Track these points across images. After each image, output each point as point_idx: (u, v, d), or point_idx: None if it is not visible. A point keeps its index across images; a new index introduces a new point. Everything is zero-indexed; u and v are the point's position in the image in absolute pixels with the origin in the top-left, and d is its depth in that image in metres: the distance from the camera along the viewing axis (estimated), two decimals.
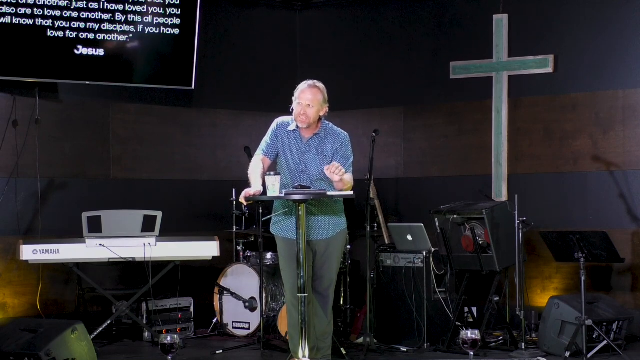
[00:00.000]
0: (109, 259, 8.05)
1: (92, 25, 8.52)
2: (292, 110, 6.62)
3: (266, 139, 6.72)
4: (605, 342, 7.27)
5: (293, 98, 6.64)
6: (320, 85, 6.63)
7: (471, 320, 8.20)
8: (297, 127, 6.65)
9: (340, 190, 6.50)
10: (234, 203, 8.91)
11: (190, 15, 8.89)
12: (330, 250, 6.70)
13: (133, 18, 8.68)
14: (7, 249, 8.35)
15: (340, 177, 6.36)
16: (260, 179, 6.44)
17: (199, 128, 9.52)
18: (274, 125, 6.74)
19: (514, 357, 7.42)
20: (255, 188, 6.41)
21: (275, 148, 6.69)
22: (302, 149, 6.65)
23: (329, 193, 6.40)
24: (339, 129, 6.77)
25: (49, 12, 8.32)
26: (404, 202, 9.38)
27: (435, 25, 9.32)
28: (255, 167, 6.56)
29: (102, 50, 8.60)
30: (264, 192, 6.41)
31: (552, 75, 8.62)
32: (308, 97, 6.56)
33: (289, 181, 6.61)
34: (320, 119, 6.65)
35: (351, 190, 6.53)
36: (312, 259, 6.67)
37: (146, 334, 8.36)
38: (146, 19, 8.74)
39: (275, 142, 6.69)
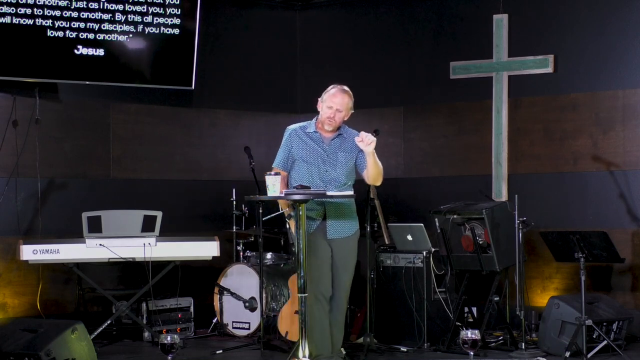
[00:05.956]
0: (109, 259, 8.05)
1: (92, 25, 8.52)
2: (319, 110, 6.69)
3: (280, 151, 6.77)
4: (605, 342, 7.26)
5: (320, 99, 6.68)
6: (349, 91, 6.69)
7: (471, 320, 8.20)
8: (316, 129, 6.69)
9: (374, 176, 6.60)
10: (234, 203, 8.91)
11: (190, 15, 8.89)
12: (347, 252, 6.74)
13: (133, 18, 8.68)
14: (7, 249, 8.34)
15: (371, 145, 6.41)
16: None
17: (199, 128, 9.51)
18: (286, 135, 6.77)
19: (514, 357, 7.42)
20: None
21: (291, 158, 6.73)
22: (326, 149, 6.68)
23: (328, 193, 6.42)
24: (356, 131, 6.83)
25: (49, 12, 8.32)
26: (404, 202, 9.37)
27: (435, 25, 9.32)
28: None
29: (102, 50, 8.60)
30: (264, 192, 6.43)
31: (552, 75, 8.62)
32: (339, 101, 6.61)
33: (318, 181, 6.64)
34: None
35: (380, 181, 6.68)
36: (330, 260, 6.71)
37: (146, 334, 8.36)
38: (146, 19, 8.74)
39: (290, 151, 6.73)
